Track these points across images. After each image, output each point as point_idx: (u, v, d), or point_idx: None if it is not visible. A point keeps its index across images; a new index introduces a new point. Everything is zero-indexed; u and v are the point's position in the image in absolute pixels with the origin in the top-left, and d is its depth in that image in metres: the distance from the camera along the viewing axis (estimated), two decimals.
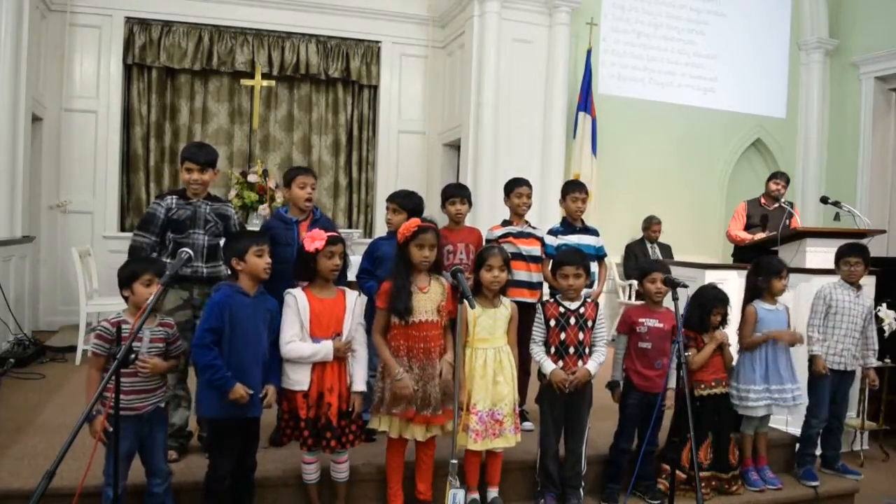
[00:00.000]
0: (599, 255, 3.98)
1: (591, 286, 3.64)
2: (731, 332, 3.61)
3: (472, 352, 3.00)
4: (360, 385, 2.84)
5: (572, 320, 3.16)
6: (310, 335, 2.77)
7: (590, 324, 3.16)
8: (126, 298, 2.65)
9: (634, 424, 3.36)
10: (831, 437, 3.97)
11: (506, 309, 3.09)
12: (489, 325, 3.02)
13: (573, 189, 3.97)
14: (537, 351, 3.19)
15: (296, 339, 2.77)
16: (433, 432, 2.92)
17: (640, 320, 3.33)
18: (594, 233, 4.00)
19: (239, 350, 2.65)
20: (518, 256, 3.71)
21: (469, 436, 2.97)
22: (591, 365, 3.16)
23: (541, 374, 3.21)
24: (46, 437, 3.38)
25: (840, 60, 8.17)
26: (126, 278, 2.63)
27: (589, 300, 3.24)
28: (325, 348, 2.74)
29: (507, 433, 3.02)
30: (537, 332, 3.21)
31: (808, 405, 3.85)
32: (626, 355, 3.38)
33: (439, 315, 2.90)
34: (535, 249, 3.86)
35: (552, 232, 3.98)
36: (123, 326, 2.54)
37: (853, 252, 3.89)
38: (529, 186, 3.92)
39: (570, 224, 3.97)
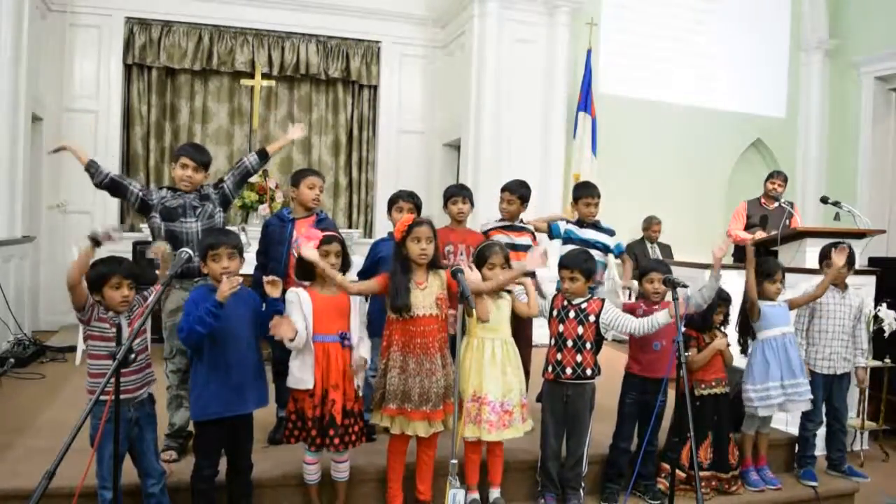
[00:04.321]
0: (616, 255, 4.03)
1: (595, 288, 3.65)
2: (731, 331, 3.61)
3: (478, 342, 3.02)
4: (363, 352, 2.86)
5: (571, 314, 3.16)
6: (313, 332, 2.77)
7: (591, 318, 3.16)
8: (98, 302, 2.60)
9: (633, 424, 3.37)
10: (834, 439, 3.96)
11: (507, 299, 3.15)
12: (495, 316, 3.04)
13: (586, 194, 3.99)
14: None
15: (301, 333, 2.76)
16: (435, 428, 2.91)
17: (638, 310, 3.35)
18: (607, 232, 4.02)
19: (222, 348, 2.64)
20: (511, 247, 3.75)
21: (483, 427, 2.98)
22: (662, 315, 3.08)
23: (544, 370, 3.22)
24: (46, 437, 3.37)
25: (840, 60, 8.16)
26: (94, 282, 2.57)
27: (595, 297, 3.24)
28: (297, 327, 2.71)
29: (516, 423, 3.05)
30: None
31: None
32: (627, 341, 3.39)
33: (438, 308, 2.90)
34: (525, 239, 3.93)
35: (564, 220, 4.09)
36: (123, 324, 2.55)
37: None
38: (512, 192, 3.94)
39: (580, 223, 4.03)
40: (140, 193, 3.29)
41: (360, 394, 2.87)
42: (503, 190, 3.98)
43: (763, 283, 3.61)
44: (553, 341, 3.19)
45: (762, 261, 3.75)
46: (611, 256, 4.11)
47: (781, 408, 3.56)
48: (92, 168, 3.25)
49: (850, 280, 3.94)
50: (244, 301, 2.75)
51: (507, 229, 3.90)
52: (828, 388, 3.85)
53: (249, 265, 3.70)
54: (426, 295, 2.88)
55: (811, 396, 3.59)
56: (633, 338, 3.31)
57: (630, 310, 3.40)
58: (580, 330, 3.15)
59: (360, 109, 7.79)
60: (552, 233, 4.01)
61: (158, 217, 3.25)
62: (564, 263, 3.23)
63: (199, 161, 3.29)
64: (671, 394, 3.45)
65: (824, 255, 3.87)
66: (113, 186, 3.27)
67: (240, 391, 2.67)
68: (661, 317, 3.09)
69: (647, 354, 3.31)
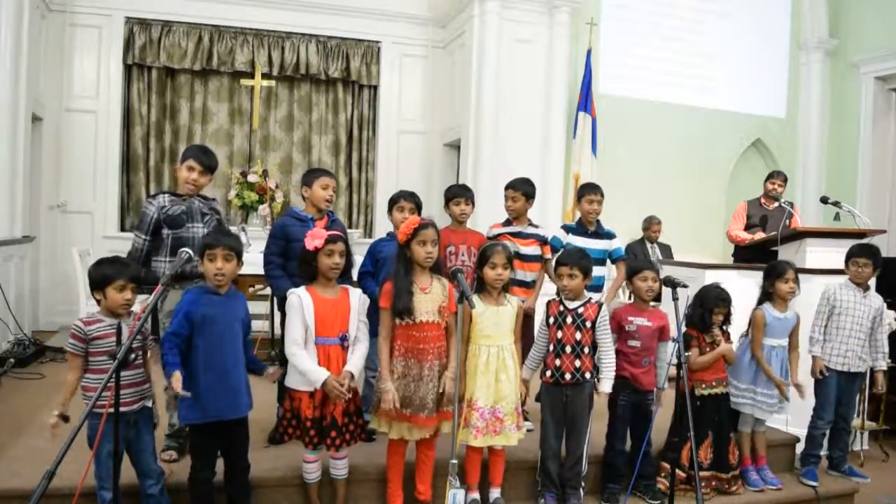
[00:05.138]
0: (614, 258, 3.99)
1: (596, 289, 3.65)
2: (733, 331, 3.60)
3: (475, 348, 3.00)
4: (351, 366, 2.80)
5: (569, 319, 3.16)
6: (315, 335, 2.76)
7: (588, 324, 3.16)
8: (98, 301, 2.60)
9: (626, 424, 3.37)
10: (838, 438, 3.96)
11: (511, 307, 3.09)
12: (493, 322, 3.02)
13: (589, 191, 3.98)
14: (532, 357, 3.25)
15: (300, 342, 2.76)
16: (430, 432, 2.92)
17: (630, 318, 3.35)
18: (607, 236, 3.99)
19: (216, 350, 2.63)
20: (515, 255, 3.71)
21: (470, 432, 2.97)
22: (606, 385, 3.15)
23: (542, 373, 3.22)
24: (46, 437, 3.35)
25: (840, 60, 8.16)
26: (98, 281, 2.56)
27: (592, 301, 3.23)
28: (318, 376, 2.70)
29: (507, 431, 3.02)
30: (541, 332, 3.24)
31: (814, 406, 3.85)
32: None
33: (440, 316, 2.89)
34: (532, 249, 3.89)
35: (565, 228, 4.04)
36: (123, 326, 2.54)
37: (863, 253, 3.86)
38: (515, 188, 3.92)
39: (583, 226, 3.99)
40: (149, 238, 3.24)
41: (360, 393, 2.88)
42: (506, 188, 3.95)
43: (775, 283, 3.62)
44: (551, 347, 3.18)
45: (776, 262, 3.77)
46: (610, 273, 4.07)
47: (751, 411, 3.59)
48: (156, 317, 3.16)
49: None
50: (235, 306, 2.73)
51: (514, 236, 3.84)
52: (840, 387, 3.85)
53: (250, 265, 3.70)
54: (429, 300, 2.87)
55: (779, 409, 3.61)
56: (620, 352, 3.31)
57: (618, 317, 3.37)
58: (578, 335, 3.14)
59: (360, 109, 7.79)
60: (554, 246, 3.95)
61: (165, 226, 3.24)
62: (562, 261, 3.23)
63: (206, 165, 3.28)
64: (671, 393, 3.46)
65: (850, 255, 3.89)
66: (148, 259, 3.24)
67: (228, 395, 2.65)
68: (606, 385, 3.15)
69: (636, 368, 3.32)
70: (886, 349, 3.99)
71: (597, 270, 3.66)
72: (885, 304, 4.01)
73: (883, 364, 3.97)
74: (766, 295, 3.68)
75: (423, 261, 2.86)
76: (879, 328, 3.94)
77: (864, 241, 3.99)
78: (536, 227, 3.98)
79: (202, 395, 2.61)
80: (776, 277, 3.62)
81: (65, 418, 2.42)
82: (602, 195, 3.99)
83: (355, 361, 2.83)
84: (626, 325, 3.34)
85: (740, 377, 3.60)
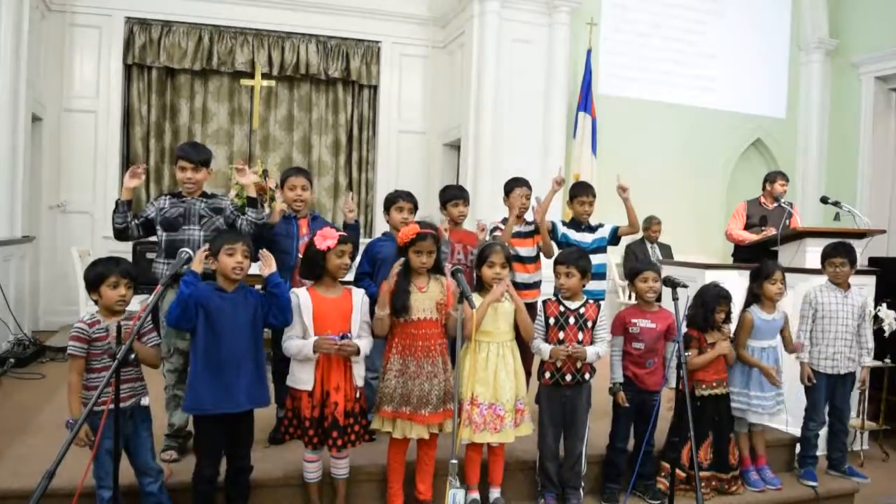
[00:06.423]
0: (612, 236, 3.98)
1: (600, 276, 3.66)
2: (733, 329, 3.60)
3: (474, 345, 3.00)
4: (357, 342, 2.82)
5: (571, 320, 3.15)
6: (314, 334, 2.77)
7: (589, 324, 3.16)
8: (95, 301, 2.63)
9: (629, 423, 3.37)
10: (836, 439, 3.95)
11: (509, 304, 3.09)
12: (492, 319, 3.03)
13: (580, 193, 3.98)
14: (536, 344, 3.18)
15: (293, 338, 2.78)
16: (435, 430, 2.93)
17: (633, 321, 3.34)
18: (599, 226, 4.00)
19: (223, 346, 2.64)
20: (515, 258, 3.70)
21: (469, 428, 2.97)
22: (591, 349, 3.12)
23: (540, 374, 3.21)
24: (46, 437, 3.37)
25: (840, 60, 8.17)
26: (92, 281, 2.60)
27: (590, 301, 3.22)
28: (307, 343, 2.73)
29: (507, 429, 3.01)
30: (538, 330, 3.22)
31: (806, 407, 3.85)
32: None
33: (439, 313, 2.91)
34: (532, 250, 3.88)
35: (563, 224, 4.07)
36: (124, 325, 2.54)
37: (838, 252, 3.82)
38: (529, 187, 3.93)
39: (577, 223, 4.01)
40: (136, 222, 3.27)
41: (358, 395, 2.87)
42: (520, 184, 3.92)
43: (763, 284, 3.61)
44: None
45: (761, 262, 3.75)
46: (611, 260, 4.08)
47: (743, 415, 3.57)
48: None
49: (851, 280, 3.93)
50: (245, 300, 2.74)
51: (512, 237, 3.82)
52: (831, 388, 3.85)
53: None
54: (426, 298, 2.90)
55: (776, 410, 3.58)
56: (625, 353, 3.32)
57: (623, 319, 3.37)
58: (580, 336, 3.14)
59: (360, 109, 7.79)
60: (553, 233, 3.97)
61: (160, 228, 3.24)
62: (560, 260, 3.23)
63: (197, 160, 3.25)
64: (672, 393, 3.45)
65: (826, 256, 3.86)
66: (126, 229, 3.28)
67: (233, 389, 2.65)
68: (602, 350, 3.18)
69: (640, 369, 3.32)
70: (871, 345, 3.96)
71: (598, 258, 3.69)
72: (867, 299, 4.00)
73: (867, 360, 3.95)
74: (754, 297, 3.66)
75: (418, 269, 2.90)
76: (863, 325, 3.92)
77: (841, 240, 3.94)
78: (531, 223, 3.98)
79: (199, 388, 2.63)
80: (764, 279, 3.59)
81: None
82: (594, 195, 3.98)
83: (363, 345, 2.83)
84: (630, 328, 3.33)
85: (733, 382, 3.57)
